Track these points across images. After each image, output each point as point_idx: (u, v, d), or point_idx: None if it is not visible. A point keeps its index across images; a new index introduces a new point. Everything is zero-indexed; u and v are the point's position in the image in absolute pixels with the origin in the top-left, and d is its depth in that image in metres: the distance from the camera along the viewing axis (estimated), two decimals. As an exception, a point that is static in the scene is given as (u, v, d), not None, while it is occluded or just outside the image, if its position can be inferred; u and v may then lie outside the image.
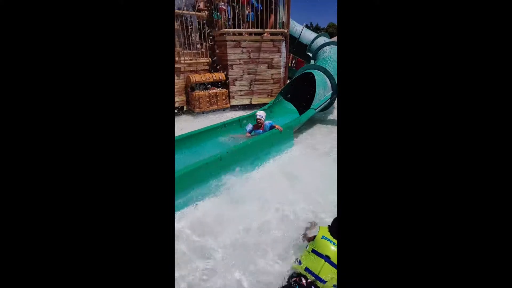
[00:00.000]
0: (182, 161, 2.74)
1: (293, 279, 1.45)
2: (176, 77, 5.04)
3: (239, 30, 5.21)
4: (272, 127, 3.43)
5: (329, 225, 1.62)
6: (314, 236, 1.59)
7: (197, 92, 5.04)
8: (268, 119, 4.50)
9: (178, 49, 4.91)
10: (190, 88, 5.06)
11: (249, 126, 3.57)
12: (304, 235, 1.69)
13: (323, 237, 1.54)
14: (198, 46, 5.41)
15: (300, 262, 1.51)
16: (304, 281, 1.41)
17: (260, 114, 3.57)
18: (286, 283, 1.46)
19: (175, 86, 5.05)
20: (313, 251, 1.51)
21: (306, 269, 1.45)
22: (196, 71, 5.26)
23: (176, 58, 4.92)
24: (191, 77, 4.98)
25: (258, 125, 3.53)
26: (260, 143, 3.12)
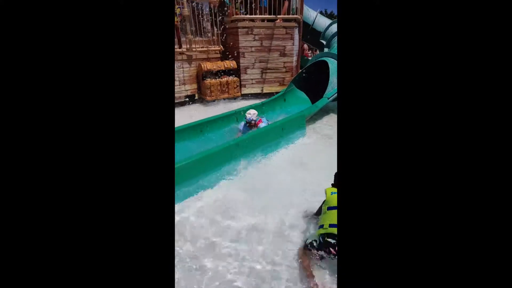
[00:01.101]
0: (197, 146, 2.80)
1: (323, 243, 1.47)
2: (187, 65, 5.02)
3: (251, 16, 5.10)
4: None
5: (332, 183, 1.75)
6: (323, 202, 1.70)
7: (208, 80, 5.02)
8: (281, 108, 4.42)
9: (189, 36, 4.87)
10: (201, 76, 5.04)
11: (241, 125, 3.24)
12: (316, 213, 1.81)
13: (332, 193, 1.66)
14: (210, 34, 5.35)
15: (322, 226, 1.55)
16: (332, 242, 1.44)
17: (250, 114, 3.08)
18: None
19: (187, 74, 5.05)
20: (329, 208, 1.59)
21: (331, 225, 1.49)
22: (207, 59, 5.22)
23: (188, 46, 4.89)
24: (202, 65, 4.95)
25: (251, 125, 3.15)
26: (272, 132, 3.09)
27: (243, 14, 5.13)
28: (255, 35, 5.11)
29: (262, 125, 3.11)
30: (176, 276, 1.46)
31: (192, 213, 2.00)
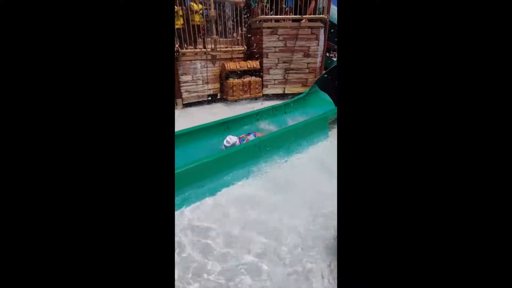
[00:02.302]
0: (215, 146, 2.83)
1: None
2: (211, 65, 5.11)
3: (276, 17, 5.08)
4: None
5: None
6: None
7: (231, 80, 5.07)
8: (302, 109, 4.35)
9: (214, 36, 4.95)
10: (225, 75, 5.11)
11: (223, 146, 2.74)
12: None
13: None
14: (234, 34, 5.40)
15: None
16: None
17: (229, 143, 2.64)
18: None
19: (210, 74, 5.14)
20: None
21: None
22: (231, 59, 5.28)
23: (213, 46, 4.97)
24: (226, 65, 5.01)
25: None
26: (294, 133, 3.05)
27: (270, 14, 5.12)
28: (279, 35, 5.08)
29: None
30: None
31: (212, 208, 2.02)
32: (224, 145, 2.67)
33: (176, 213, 1.94)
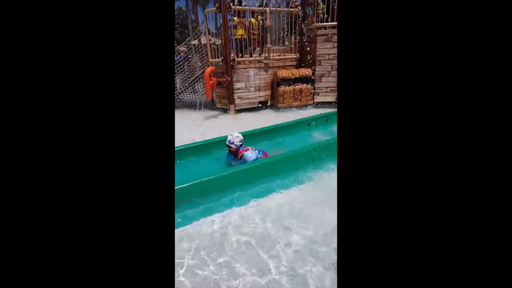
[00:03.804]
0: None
1: None
2: (264, 73, 5.28)
3: (332, 24, 4.99)
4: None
5: None
6: None
7: (282, 88, 5.15)
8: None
9: (268, 45, 5.13)
10: (276, 83, 5.22)
11: (227, 152, 2.61)
12: None
13: None
14: (287, 42, 5.49)
15: None
16: None
17: (232, 136, 2.48)
18: None
19: (262, 81, 5.31)
20: None
21: None
22: (283, 67, 5.37)
23: (266, 54, 5.15)
24: (278, 73, 5.12)
25: (231, 150, 2.52)
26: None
27: (326, 21, 5.07)
28: (334, 42, 4.97)
29: (249, 155, 2.43)
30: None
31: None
32: (228, 140, 2.52)
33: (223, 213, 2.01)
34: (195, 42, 6.56)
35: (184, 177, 2.05)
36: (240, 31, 5.26)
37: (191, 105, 5.99)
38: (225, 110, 5.43)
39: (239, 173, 2.23)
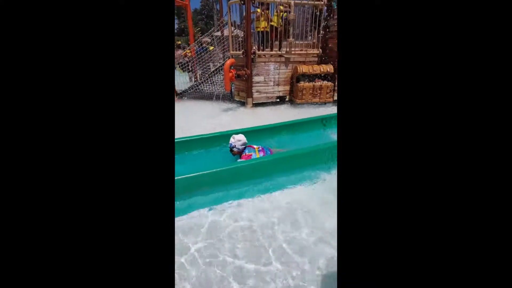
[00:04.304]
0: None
1: None
2: (284, 67, 5.21)
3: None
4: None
5: None
6: None
7: (302, 83, 5.06)
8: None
9: (290, 39, 5.03)
10: (296, 78, 5.14)
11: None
12: None
13: None
14: (310, 37, 5.35)
15: None
16: None
17: (234, 140, 2.42)
18: None
19: (282, 76, 5.25)
20: None
21: None
22: (304, 62, 5.26)
23: (287, 49, 5.07)
24: (298, 68, 5.03)
25: (234, 154, 2.48)
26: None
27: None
28: (359, 39, 4.77)
29: (251, 150, 2.36)
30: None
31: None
32: (230, 144, 2.48)
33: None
34: (218, 33, 6.59)
35: (191, 168, 2.10)
36: (263, 24, 5.19)
37: (210, 97, 6.07)
38: (242, 103, 5.44)
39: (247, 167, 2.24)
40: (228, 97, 5.93)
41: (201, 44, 6.42)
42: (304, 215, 1.88)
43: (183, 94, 6.36)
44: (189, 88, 6.37)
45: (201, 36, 6.57)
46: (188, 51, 7.18)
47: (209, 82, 6.12)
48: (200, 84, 6.22)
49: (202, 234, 1.72)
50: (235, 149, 2.44)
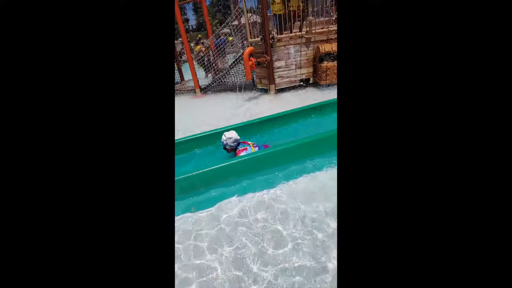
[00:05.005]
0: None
1: None
2: (305, 48, 5.00)
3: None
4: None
5: None
6: None
7: (325, 63, 4.82)
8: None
9: (310, 18, 4.78)
10: (318, 59, 4.90)
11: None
12: None
13: None
14: (330, 12, 5.02)
15: None
16: None
17: (225, 137, 2.37)
18: None
19: (304, 58, 5.04)
20: None
21: None
22: (327, 41, 4.98)
23: (307, 28, 4.83)
24: (320, 48, 4.78)
25: (228, 151, 2.44)
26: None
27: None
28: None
29: (245, 147, 2.31)
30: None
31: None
32: (222, 142, 2.44)
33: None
34: (236, 22, 6.51)
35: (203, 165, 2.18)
36: (280, 6, 4.99)
37: (232, 88, 6.09)
38: (265, 91, 5.38)
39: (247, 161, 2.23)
40: (250, 86, 5.90)
41: (219, 37, 6.41)
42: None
43: (207, 89, 6.47)
44: (212, 82, 6.46)
45: (219, 28, 6.55)
46: (201, 46, 7.23)
47: (230, 73, 6.13)
48: (222, 77, 6.26)
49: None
50: (227, 147, 2.42)
